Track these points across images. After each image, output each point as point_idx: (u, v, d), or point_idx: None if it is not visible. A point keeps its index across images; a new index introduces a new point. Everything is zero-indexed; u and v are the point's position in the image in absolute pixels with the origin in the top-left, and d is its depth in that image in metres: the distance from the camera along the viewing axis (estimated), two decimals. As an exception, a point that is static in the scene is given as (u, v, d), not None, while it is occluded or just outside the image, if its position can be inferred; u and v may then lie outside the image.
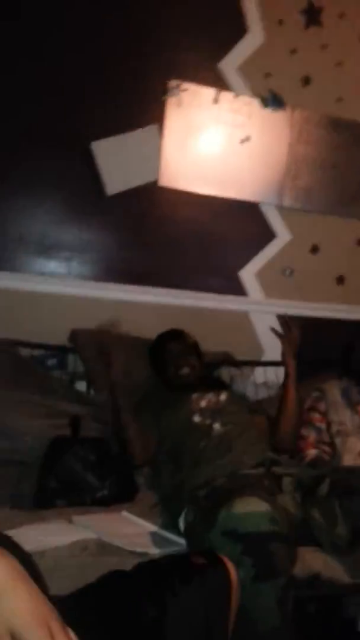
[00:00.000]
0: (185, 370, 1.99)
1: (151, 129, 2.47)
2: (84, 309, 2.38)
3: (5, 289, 2.29)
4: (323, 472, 1.60)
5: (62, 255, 2.42)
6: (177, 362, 2.01)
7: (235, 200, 2.58)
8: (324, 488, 1.52)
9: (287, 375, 1.98)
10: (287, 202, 2.65)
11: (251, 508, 1.23)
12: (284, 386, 1.95)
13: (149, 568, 0.97)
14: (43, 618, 0.56)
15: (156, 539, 1.53)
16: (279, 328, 2.08)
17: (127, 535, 1.49)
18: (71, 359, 2.30)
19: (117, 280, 2.46)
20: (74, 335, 2.26)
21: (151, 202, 2.50)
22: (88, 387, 2.25)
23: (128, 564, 1.35)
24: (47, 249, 2.39)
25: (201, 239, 2.58)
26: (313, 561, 1.47)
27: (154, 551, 1.44)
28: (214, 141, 2.56)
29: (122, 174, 2.44)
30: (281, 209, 2.66)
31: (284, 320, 2.08)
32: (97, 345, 1.92)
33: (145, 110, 2.47)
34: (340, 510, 1.45)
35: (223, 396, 1.94)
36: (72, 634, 0.60)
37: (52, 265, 2.41)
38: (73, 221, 2.43)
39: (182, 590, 0.89)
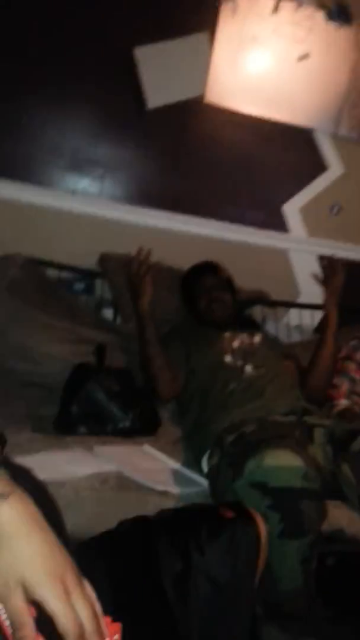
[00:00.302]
0: (218, 306, 1.89)
1: (201, 37, 2.23)
2: (115, 232, 2.26)
3: (34, 204, 2.16)
4: (357, 426, 1.52)
5: (95, 173, 2.26)
6: (209, 297, 1.91)
7: (286, 124, 2.36)
8: (357, 444, 1.44)
9: (327, 324, 1.81)
10: (343, 130, 2.41)
11: (283, 461, 1.16)
12: (322, 336, 1.80)
13: (174, 517, 0.91)
14: (58, 571, 0.51)
15: (177, 477, 1.49)
16: (319, 271, 1.92)
17: (148, 471, 1.45)
18: (99, 284, 2.20)
19: (152, 205, 2.31)
20: (104, 259, 2.15)
21: (195, 120, 2.30)
22: (115, 315, 2.17)
23: (148, 502, 1.34)
24: (80, 165, 2.24)
25: (245, 166, 2.39)
26: (338, 516, 1.43)
27: (175, 490, 1.40)
28: (269, 56, 2.31)
29: (166, 86, 2.24)
30: (336, 137, 2.43)
31: (329, 262, 1.89)
32: (127, 272, 1.81)
33: (195, 16, 2.22)
34: None
35: (257, 338, 1.84)
36: (88, 588, 0.55)
37: (84, 182, 2.27)
38: (109, 136, 2.26)
39: (209, 544, 0.83)
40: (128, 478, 1.38)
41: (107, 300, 2.17)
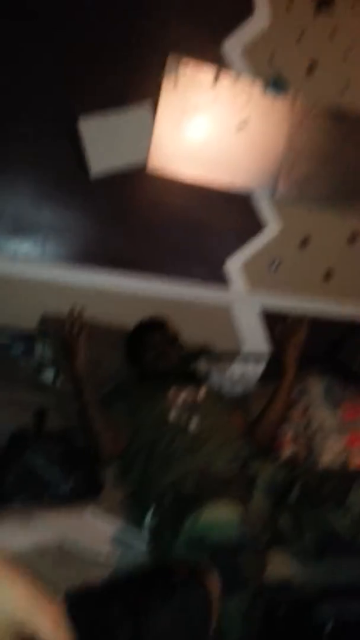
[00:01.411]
0: (164, 359, 1.90)
1: (143, 106, 2.34)
2: (58, 293, 2.25)
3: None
4: (296, 474, 1.52)
5: (37, 236, 2.28)
6: (156, 353, 1.91)
7: (226, 187, 2.46)
8: (294, 494, 1.44)
9: (283, 379, 1.81)
10: (280, 191, 2.54)
11: (220, 515, 1.15)
12: (278, 390, 1.80)
13: (126, 582, 0.86)
14: (47, 606, 0.53)
15: (119, 541, 1.43)
16: (259, 323, 1.97)
17: (91, 537, 1.39)
18: (39, 346, 2.17)
19: (94, 265, 2.33)
20: (44, 320, 2.14)
21: (137, 185, 2.37)
22: (56, 377, 2.12)
23: (90, 571, 1.28)
24: (21, 229, 2.26)
25: (187, 226, 2.46)
26: (284, 566, 1.41)
27: (117, 556, 1.34)
28: (209, 123, 2.43)
29: (109, 153, 2.30)
30: (273, 199, 2.54)
31: (288, 325, 1.92)
32: (60, 332, 1.78)
33: (138, 87, 2.33)
34: (307, 519, 1.39)
35: (201, 392, 1.85)
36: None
37: (26, 246, 2.28)
38: (52, 200, 2.29)
39: (162, 607, 0.79)
40: (68, 549, 1.31)
41: (47, 361, 2.13)
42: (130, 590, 0.85)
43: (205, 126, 2.42)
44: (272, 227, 2.57)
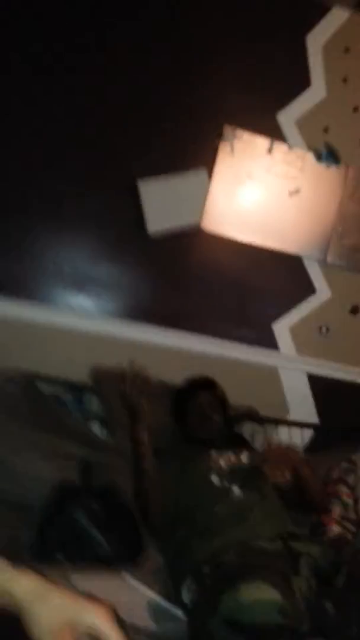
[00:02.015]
0: (209, 428, 1.88)
1: (200, 172, 2.44)
2: (108, 346, 2.31)
3: (32, 320, 2.23)
4: (343, 557, 1.44)
5: (93, 291, 2.36)
6: (202, 417, 1.89)
7: (277, 250, 2.50)
8: (340, 578, 1.36)
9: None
10: (330, 258, 2.57)
11: (259, 595, 1.10)
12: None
13: None
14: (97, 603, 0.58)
15: (158, 610, 1.40)
16: (306, 389, 1.93)
17: (127, 605, 1.36)
18: (89, 397, 2.21)
19: (146, 321, 2.38)
20: (95, 372, 2.18)
21: (191, 245, 2.45)
22: (104, 429, 2.14)
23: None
24: (79, 283, 2.34)
25: (238, 287, 2.50)
26: None
27: (153, 626, 1.30)
28: (262, 191, 2.51)
29: (166, 214, 2.40)
30: (324, 265, 2.57)
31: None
32: (120, 389, 1.80)
33: (196, 153, 2.44)
34: (354, 607, 1.29)
35: (244, 457, 1.81)
36: None
37: (81, 299, 2.36)
38: (109, 257, 2.39)
39: None
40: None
41: (96, 414, 2.16)
42: None
43: (258, 192, 2.50)
44: (321, 293, 2.58)
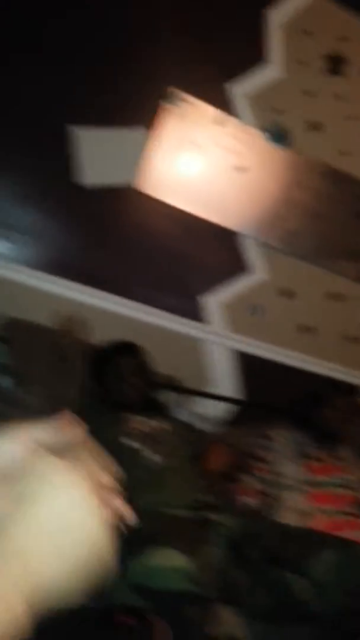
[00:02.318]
0: (129, 393, 1.82)
1: (140, 130, 2.32)
2: (27, 298, 2.15)
3: None
4: (257, 529, 1.43)
5: (15, 238, 2.19)
6: (122, 378, 1.83)
7: (215, 224, 2.44)
8: (252, 550, 1.35)
9: None
10: (269, 240, 2.54)
11: (167, 562, 1.07)
12: None
13: (65, 622, 0.74)
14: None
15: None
16: (231, 366, 1.90)
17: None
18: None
19: (70, 277, 2.23)
20: (11, 324, 2.00)
21: (124, 204, 2.34)
22: (14, 385, 1.97)
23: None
24: (2, 227, 2.15)
25: (170, 254, 2.42)
26: (232, 623, 1.29)
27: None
28: (207, 161, 2.44)
29: (100, 168, 2.28)
30: (262, 245, 2.54)
31: None
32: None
33: (137, 111, 2.34)
34: (264, 579, 1.30)
35: (164, 425, 1.75)
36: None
37: (2, 246, 2.17)
38: (36, 206, 2.23)
39: None
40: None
41: (3, 365, 1.99)
42: (70, 630, 0.74)
43: (202, 162, 2.43)
44: (257, 273, 2.56)
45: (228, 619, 1.28)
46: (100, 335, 2.04)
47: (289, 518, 1.73)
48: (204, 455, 1.77)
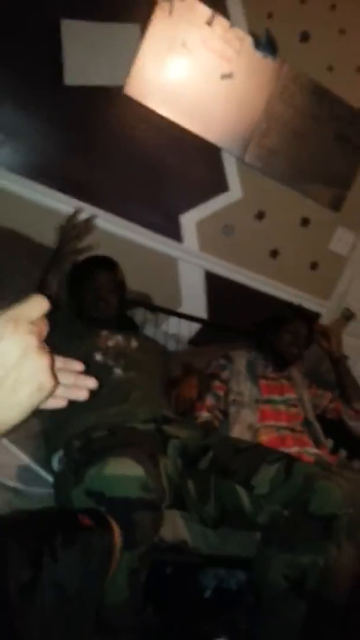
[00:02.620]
0: (103, 309, 1.85)
1: (132, 28, 2.18)
2: (9, 205, 2.12)
3: None
4: (209, 442, 1.55)
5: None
6: (97, 296, 1.85)
7: (198, 137, 2.38)
8: (204, 462, 1.47)
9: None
10: (248, 157, 2.50)
11: (123, 471, 1.13)
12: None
13: (29, 520, 0.84)
14: None
15: (28, 473, 1.41)
16: (202, 285, 1.96)
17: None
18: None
19: (48, 184, 2.18)
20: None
21: (109, 108, 2.23)
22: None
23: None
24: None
25: (152, 167, 2.37)
26: (180, 528, 1.44)
27: (22, 487, 1.32)
28: (194, 65, 2.32)
29: (87, 67, 2.15)
30: (241, 163, 2.50)
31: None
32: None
33: (129, 5, 2.16)
34: (214, 489, 1.41)
35: (133, 342, 1.82)
36: None
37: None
38: (17, 101, 2.10)
39: (63, 551, 0.79)
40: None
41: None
42: (32, 531, 0.83)
43: (190, 66, 2.32)
44: (233, 192, 2.54)
45: (179, 525, 1.44)
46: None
47: (240, 433, 1.88)
48: (175, 381, 1.84)
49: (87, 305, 1.85)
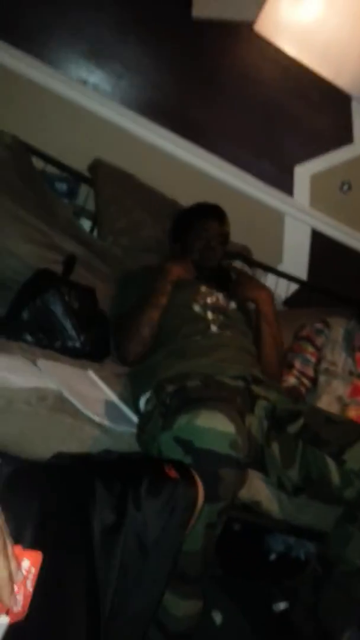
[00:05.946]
0: (209, 257, 1.81)
1: None
2: (116, 139, 2.08)
3: (37, 82, 1.93)
4: (301, 408, 1.50)
5: (113, 69, 2.04)
6: (206, 244, 1.81)
7: (327, 82, 2.19)
8: (294, 426, 1.42)
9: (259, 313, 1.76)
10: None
11: (215, 424, 1.10)
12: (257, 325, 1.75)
13: (117, 463, 0.85)
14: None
15: (114, 411, 1.44)
16: (307, 244, 1.83)
17: (87, 398, 1.39)
18: (84, 190, 2.03)
19: (162, 123, 2.12)
20: (97, 165, 1.98)
21: (235, 45, 2.11)
22: (92, 228, 2.02)
23: (83, 431, 1.29)
24: (99, 55, 2.01)
25: (272, 112, 2.23)
26: (259, 489, 1.42)
27: (109, 424, 1.35)
28: (333, 3, 2.10)
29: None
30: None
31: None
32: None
33: None
34: (300, 455, 1.37)
35: (232, 304, 1.78)
36: (10, 550, 0.56)
37: (98, 76, 2.05)
38: (138, 36, 2.04)
39: (147, 500, 0.78)
40: (67, 400, 1.31)
41: (89, 212, 2.01)
42: (119, 474, 0.83)
43: (326, 5, 2.10)
44: (357, 145, 2.35)
45: (256, 486, 1.42)
46: (183, 192, 2.00)
47: (327, 404, 1.80)
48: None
49: (195, 251, 1.82)
